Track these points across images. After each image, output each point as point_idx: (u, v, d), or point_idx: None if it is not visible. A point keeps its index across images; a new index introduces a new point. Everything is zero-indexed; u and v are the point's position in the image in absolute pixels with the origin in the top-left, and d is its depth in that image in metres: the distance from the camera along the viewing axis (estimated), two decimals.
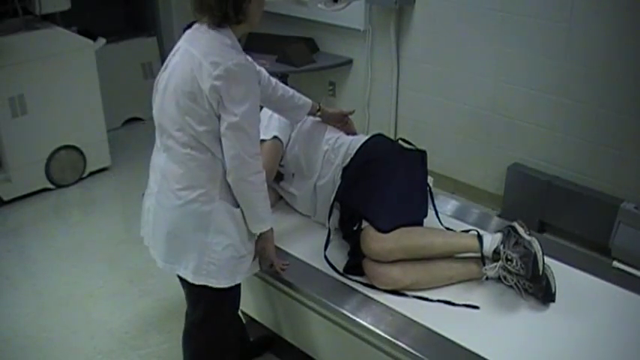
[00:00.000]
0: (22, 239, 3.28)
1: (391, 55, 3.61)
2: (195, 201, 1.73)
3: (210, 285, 1.79)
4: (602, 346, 1.73)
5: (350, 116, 2.32)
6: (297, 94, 2.18)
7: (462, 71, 3.35)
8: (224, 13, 1.67)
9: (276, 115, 2.22)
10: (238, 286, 1.90)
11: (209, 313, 1.90)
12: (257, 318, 2.37)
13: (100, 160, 3.85)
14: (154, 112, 1.81)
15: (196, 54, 1.67)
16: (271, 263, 1.97)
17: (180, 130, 1.71)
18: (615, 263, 2.06)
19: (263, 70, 2.08)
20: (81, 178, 3.79)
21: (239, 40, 1.76)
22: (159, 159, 1.82)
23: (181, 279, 1.86)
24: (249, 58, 1.80)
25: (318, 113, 2.23)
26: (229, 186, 1.75)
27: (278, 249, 2.00)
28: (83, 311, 2.74)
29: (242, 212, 1.79)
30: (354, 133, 2.29)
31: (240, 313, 2.37)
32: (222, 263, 1.77)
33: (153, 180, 1.85)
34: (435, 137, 3.56)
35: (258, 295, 2.26)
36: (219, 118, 1.68)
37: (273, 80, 2.11)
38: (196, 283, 1.79)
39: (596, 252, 2.87)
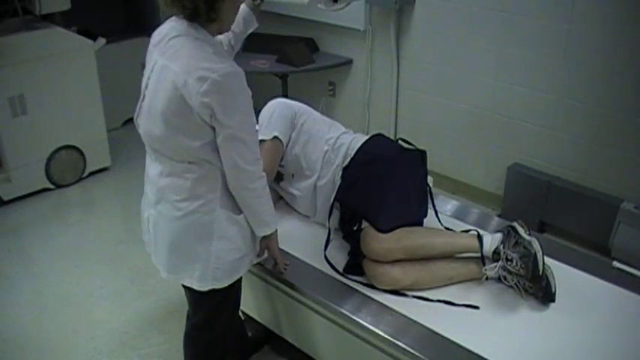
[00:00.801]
0: (23, 239, 3.28)
1: (391, 55, 3.61)
2: (196, 212, 1.70)
3: (215, 287, 1.78)
4: (602, 345, 1.73)
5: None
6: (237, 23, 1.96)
7: (462, 71, 3.35)
8: (194, 7, 1.56)
9: (276, 114, 2.20)
10: (239, 285, 1.90)
11: (211, 314, 1.89)
12: (257, 318, 2.37)
13: (100, 160, 3.85)
14: (141, 132, 1.73)
15: (178, 70, 1.56)
16: (275, 262, 1.97)
17: (173, 148, 1.66)
18: (615, 263, 2.06)
19: (224, 38, 1.97)
20: (81, 178, 3.78)
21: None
22: (153, 170, 1.76)
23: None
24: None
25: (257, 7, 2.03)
26: (229, 194, 1.72)
27: (278, 249, 2.00)
28: (83, 311, 2.74)
29: (243, 217, 1.77)
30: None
31: (240, 312, 2.37)
32: (226, 266, 1.77)
33: (149, 190, 1.81)
34: (435, 137, 3.56)
35: (258, 295, 2.26)
36: (213, 129, 1.62)
37: (227, 41, 1.98)
38: (203, 290, 1.78)
39: (596, 252, 2.87)
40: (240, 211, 1.76)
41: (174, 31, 1.63)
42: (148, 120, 1.68)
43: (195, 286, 1.77)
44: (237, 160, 1.64)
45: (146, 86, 1.69)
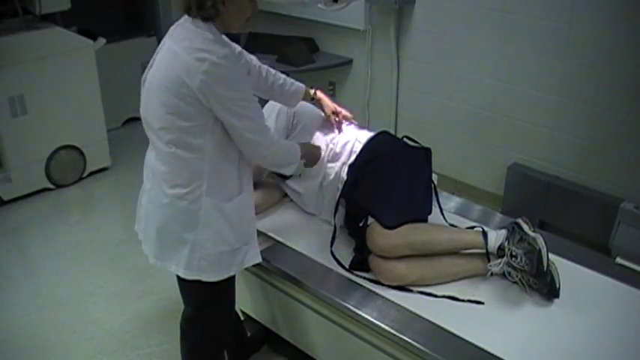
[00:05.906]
0: (22, 239, 3.27)
1: (391, 55, 3.62)
2: (183, 199, 1.72)
3: (202, 279, 1.77)
4: (605, 341, 1.73)
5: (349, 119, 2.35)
6: (289, 81, 2.20)
7: (462, 71, 3.36)
8: (187, 6, 1.68)
9: (274, 115, 2.24)
10: (232, 281, 1.87)
11: (201, 308, 1.89)
12: (255, 316, 2.36)
13: (100, 160, 3.85)
14: (141, 110, 1.79)
15: (180, 51, 1.65)
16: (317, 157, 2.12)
17: (164, 128, 1.69)
18: (618, 259, 2.07)
19: (254, 58, 2.11)
20: (81, 178, 3.78)
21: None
22: (150, 156, 1.82)
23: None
24: (236, 47, 1.88)
25: (316, 98, 2.30)
26: (216, 183, 1.73)
27: (284, 245, 2.00)
28: (83, 311, 2.73)
29: (231, 207, 1.77)
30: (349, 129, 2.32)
31: (240, 312, 2.37)
32: (213, 258, 1.76)
33: (146, 176, 1.85)
34: (434, 137, 3.56)
35: (255, 293, 2.26)
36: (209, 112, 1.67)
37: (264, 69, 2.13)
38: (188, 278, 1.78)
39: (596, 252, 2.88)
40: (228, 200, 1.76)
41: (182, 20, 1.75)
42: (147, 96, 1.75)
43: (181, 274, 1.78)
44: (246, 134, 1.71)
45: (150, 65, 1.77)
